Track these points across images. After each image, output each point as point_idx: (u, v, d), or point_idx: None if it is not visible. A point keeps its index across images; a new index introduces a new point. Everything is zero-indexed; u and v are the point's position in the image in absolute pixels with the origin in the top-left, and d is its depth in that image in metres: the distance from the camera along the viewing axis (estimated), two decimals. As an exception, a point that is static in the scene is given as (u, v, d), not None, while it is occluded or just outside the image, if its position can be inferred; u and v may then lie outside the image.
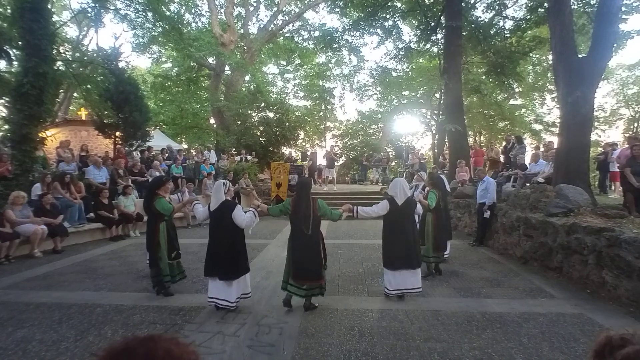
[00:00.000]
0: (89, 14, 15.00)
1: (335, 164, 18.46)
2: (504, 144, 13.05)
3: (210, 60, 21.78)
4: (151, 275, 4.86)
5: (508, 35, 13.79)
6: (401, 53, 16.14)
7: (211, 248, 4.21)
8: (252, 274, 5.52)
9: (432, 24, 13.67)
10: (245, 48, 22.57)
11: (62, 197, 8.12)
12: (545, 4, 9.38)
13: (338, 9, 16.51)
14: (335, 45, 17.29)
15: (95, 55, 15.00)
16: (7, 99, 9.67)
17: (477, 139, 27.46)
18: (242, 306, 4.36)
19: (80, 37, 22.00)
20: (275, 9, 23.32)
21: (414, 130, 28.09)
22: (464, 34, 12.66)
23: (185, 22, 21.09)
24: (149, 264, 4.86)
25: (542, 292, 4.89)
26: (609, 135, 24.96)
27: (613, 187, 9.95)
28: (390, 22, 15.42)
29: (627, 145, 8.76)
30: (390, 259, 4.56)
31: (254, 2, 23.81)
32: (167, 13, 17.71)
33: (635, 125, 24.91)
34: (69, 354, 3.25)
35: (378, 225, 9.29)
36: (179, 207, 5.22)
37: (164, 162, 12.31)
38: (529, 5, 12.56)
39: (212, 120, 24.34)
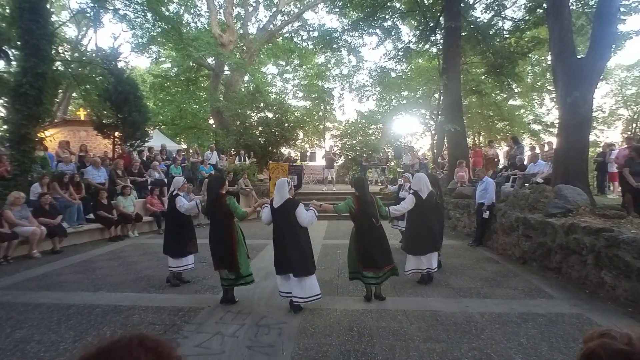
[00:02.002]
0: (88, 14, 15.02)
1: (335, 164, 18.47)
2: (505, 147, 13.07)
3: (210, 60, 21.77)
4: (222, 277, 4.47)
5: (507, 35, 13.81)
6: (400, 53, 16.14)
7: (278, 246, 4.22)
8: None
9: (431, 24, 13.68)
10: (245, 48, 22.57)
11: (61, 198, 8.11)
12: (544, 5, 9.39)
13: (337, 9, 16.52)
14: (334, 46, 17.29)
15: (94, 55, 14.98)
16: (5, 99, 9.64)
17: (476, 139, 27.49)
18: (242, 307, 4.36)
19: (79, 37, 22.00)
20: (274, 9, 23.35)
21: (413, 130, 28.19)
22: (463, 34, 12.67)
23: (184, 22, 21.09)
24: (223, 265, 4.40)
25: (541, 292, 4.90)
26: (608, 135, 25.03)
27: (612, 188, 9.97)
28: (389, 23, 15.42)
29: (625, 146, 8.79)
30: (416, 245, 5.13)
31: (253, 2, 23.82)
32: (167, 13, 17.69)
33: (634, 125, 24.96)
34: (67, 355, 3.24)
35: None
36: (251, 210, 4.86)
37: (162, 163, 12.30)
38: (528, 5, 12.57)
39: (211, 121, 24.34)
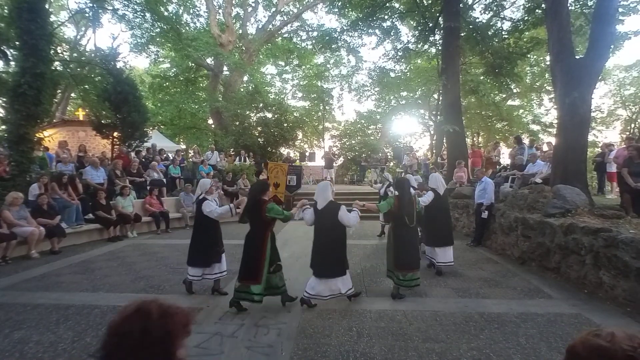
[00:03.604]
0: (87, 14, 14.98)
1: (334, 164, 18.48)
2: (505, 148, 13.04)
3: (209, 60, 21.77)
4: (237, 289, 4.23)
5: (506, 36, 13.84)
6: (399, 54, 16.18)
7: (318, 247, 4.32)
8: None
9: (430, 24, 13.70)
10: (244, 48, 22.57)
11: (60, 198, 8.09)
12: (543, 5, 9.41)
13: (336, 10, 16.54)
14: (333, 46, 17.34)
15: (93, 55, 14.93)
16: (4, 99, 9.61)
17: (475, 139, 27.52)
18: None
19: (78, 37, 22.00)
20: (273, 9, 23.34)
21: (413, 130, 28.23)
22: (462, 34, 12.69)
23: (183, 22, 21.07)
24: (246, 277, 4.17)
25: (539, 292, 4.91)
26: (606, 136, 25.09)
27: (610, 188, 9.98)
28: (388, 23, 15.45)
29: (625, 146, 8.79)
30: (435, 237, 5.70)
31: (252, 2, 23.83)
32: (166, 13, 17.67)
33: (633, 125, 25.01)
34: (66, 356, 3.24)
35: (376, 226, 9.32)
36: (295, 211, 4.55)
37: (161, 163, 12.29)
38: (527, 6, 12.60)
39: (210, 121, 24.33)
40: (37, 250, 6.95)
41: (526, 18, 12.70)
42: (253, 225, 4.30)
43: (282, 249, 7.41)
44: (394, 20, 15.55)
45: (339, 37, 16.73)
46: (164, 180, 11.39)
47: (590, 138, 16.28)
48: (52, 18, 12.62)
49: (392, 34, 15.70)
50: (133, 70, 22.20)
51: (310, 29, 24.24)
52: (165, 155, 13.60)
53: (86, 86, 14.26)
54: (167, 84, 24.12)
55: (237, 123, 18.16)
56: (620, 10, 10.52)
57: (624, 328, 0.85)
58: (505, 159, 14.13)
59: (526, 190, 7.10)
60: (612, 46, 10.01)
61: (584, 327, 3.77)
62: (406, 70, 22.42)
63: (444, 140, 14.71)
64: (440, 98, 15.18)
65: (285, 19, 23.47)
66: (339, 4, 15.81)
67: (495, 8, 13.87)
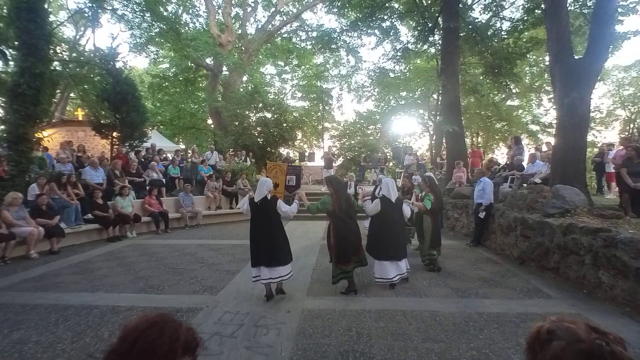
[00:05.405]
0: (86, 14, 14.95)
1: (333, 164, 18.44)
2: (504, 148, 13.03)
3: (208, 60, 21.75)
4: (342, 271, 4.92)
5: (505, 36, 13.85)
6: (399, 54, 16.17)
7: (393, 234, 5.05)
8: (249, 275, 5.52)
9: (430, 25, 13.70)
10: (243, 48, 22.56)
11: (59, 198, 8.08)
12: (542, 6, 9.42)
13: (336, 10, 16.52)
14: (333, 46, 17.30)
15: (92, 55, 14.94)
16: (3, 99, 9.60)
17: (474, 139, 27.53)
18: (241, 307, 4.36)
19: (77, 37, 21.93)
20: (273, 9, 23.34)
21: (412, 131, 28.20)
22: (461, 35, 12.69)
23: (182, 22, 21.06)
24: (354, 258, 4.96)
25: (539, 292, 4.91)
26: (605, 136, 25.08)
27: (608, 188, 10.00)
28: (387, 23, 15.45)
29: (622, 147, 8.81)
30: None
31: (251, 2, 23.81)
32: (165, 13, 17.67)
33: (631, 126, 25.04)
34: (65, 356, 3.23)
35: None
36: (360, 203, 5.40)
37: (160, 163, 12.28)
38: (526, 6, 12.62)
39: (209, 121, 24.32)
40: (36, 251, 6.95)
41: (525, 18, 12.70)
42: (348, 216, 4.86)
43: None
44: (393, 21, 15.55)
45: (338, 37, 16.69)
46: (163, 180, 11.39)
47: (589, 138, 16.27)
48: (51, 18, 12.60)
49: (391, 34, 15.70)
50: (132, 70, 22.19)
51: (309, 29, 24.22)
52: (164, 155, 13.60)
53: (85, 86, 14.27)
54: (167, 84, 24.10)
55: (237, 123, 18.14)
56: (620, 10, 10.53)
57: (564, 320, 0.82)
58: (502, 159, 14.17)
59: (525, 191, 7.11)
60: (611, 46, 10.02)
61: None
62: (405, 71, 22.39)
63: (444, 141, 14.71)
64: (440, 98, 15.17)
65: (285, 19, 23.45)
66: (339, 4, 15.79)
67: (494, 8, 13.88)
